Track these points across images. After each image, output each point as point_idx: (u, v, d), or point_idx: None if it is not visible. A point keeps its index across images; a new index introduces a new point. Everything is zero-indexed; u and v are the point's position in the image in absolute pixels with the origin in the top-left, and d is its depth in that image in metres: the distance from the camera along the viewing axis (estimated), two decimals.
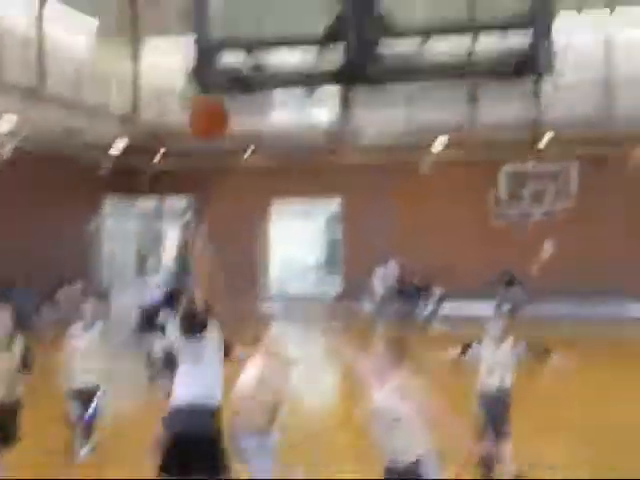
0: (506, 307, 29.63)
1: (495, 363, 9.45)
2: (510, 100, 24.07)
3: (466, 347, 9.84)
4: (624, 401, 14.70)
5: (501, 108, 25.99)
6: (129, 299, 23.50)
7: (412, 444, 6.33)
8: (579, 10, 23.80)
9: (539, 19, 6.86)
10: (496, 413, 9.39)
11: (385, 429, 6.38)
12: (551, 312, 26.72)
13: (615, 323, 26.20)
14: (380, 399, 6.40)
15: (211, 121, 6.87)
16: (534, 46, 6.69)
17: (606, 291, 28.67)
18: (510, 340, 9.59)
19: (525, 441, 10.28)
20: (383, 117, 27.19)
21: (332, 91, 27.73)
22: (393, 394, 6.35)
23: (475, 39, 6.54)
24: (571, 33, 23.27)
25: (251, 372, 8.32)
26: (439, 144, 30.12)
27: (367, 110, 25.10)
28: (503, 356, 9.47)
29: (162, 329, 14.46)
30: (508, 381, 9.50)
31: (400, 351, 6.60)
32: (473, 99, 28.78)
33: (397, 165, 31.02)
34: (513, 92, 22.80)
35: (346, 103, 27.70)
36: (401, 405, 6.28)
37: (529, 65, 7.18)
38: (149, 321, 15.83)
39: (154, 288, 17.84)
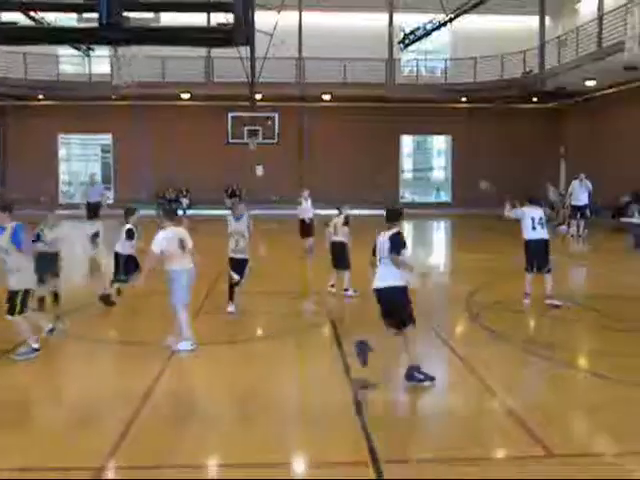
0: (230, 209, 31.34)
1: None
2: (234, 65, 25.27)
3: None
4: None
5: (230, 69, 27.10)
6: None
7: None
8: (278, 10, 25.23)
9: (240, 3, 7.14)
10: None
11: None
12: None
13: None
14: None
15: None
16: (236, 24, 7.15)
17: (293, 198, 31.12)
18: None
19: None
20: (145, 71, 27.64)
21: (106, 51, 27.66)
22: None
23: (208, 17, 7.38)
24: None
25: None
26: (185, 94, 30.83)
27: (133, 65, 25.54)
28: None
29: None
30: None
31: None
32: (209, 59, 29.68)
33: (154, 109, 31.51)
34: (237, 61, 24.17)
35: (117, 59, 27.74)
36: None
37: (234, 38, 7.63)
38: None
39: None
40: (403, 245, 7.10)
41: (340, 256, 11.79)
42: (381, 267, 7.16)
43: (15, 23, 4.03)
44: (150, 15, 6.96)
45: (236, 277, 10.22)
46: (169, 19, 7.57)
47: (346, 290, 11.66)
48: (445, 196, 35.01)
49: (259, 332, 9.99)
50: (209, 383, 7.50)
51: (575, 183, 21.94)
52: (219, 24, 7.79)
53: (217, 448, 5.80)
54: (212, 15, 9.41)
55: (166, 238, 8.42)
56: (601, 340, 9.34)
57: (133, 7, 4.37)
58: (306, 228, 17.08)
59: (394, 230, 7.17)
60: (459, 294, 11.95)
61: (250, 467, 5.37)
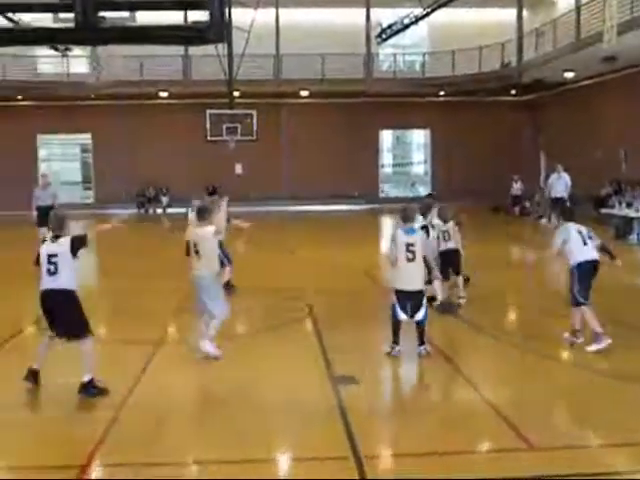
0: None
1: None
2: (211, 62, 25.12)
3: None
4: None
5: (207, 67, 26.92)
6: None
7: None
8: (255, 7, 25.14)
9: (215, 1, 7.09)
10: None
11: None
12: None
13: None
14: None
15: None
16: (211, 21, 7.10)
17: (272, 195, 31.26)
18: None
19: None
20: (121, 71, 27.54)
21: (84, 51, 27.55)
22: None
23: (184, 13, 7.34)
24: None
25: None
26: (163, 93, 30.69)
27: (111, 65, 25.55)
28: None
29: None
30: None
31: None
32: (186, 57, 29.54)
33: (132, 108, 31.37)
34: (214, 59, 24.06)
35: (95, 59, 27.65)
36: None
37: (208, 35, 7.58)
38: None
39: None
40: None
41: (457, 263, 10.69)
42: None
43: None
44: (126, 14, 6.89)
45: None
46: (146, 18, 7.48)
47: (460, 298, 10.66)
48: (424, 190, 35.08)
49: (240, 329, 10.00)
50: (190, 381, 7.50)
51: (553, 176, 22.15)
52: (194, 22, 7.78)
53: (197, 445, 5.81)
54: (189, 13, 9.46)
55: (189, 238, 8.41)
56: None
57: (109, 7, 4.31)
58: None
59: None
60: None
61: (230, 463, 5.38)
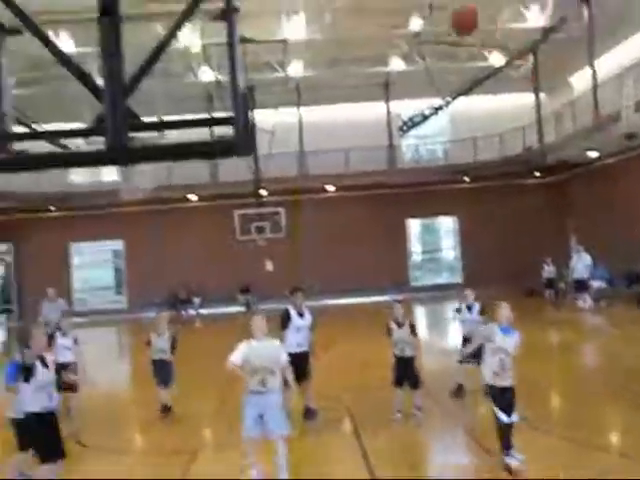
0: (244, 306, 31.29)
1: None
2: (238, 164, 25.66)
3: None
4: None
5: (233, 170, 27.48)
6: None
7: None
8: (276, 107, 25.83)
9: (240, 118, 7.41)
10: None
11: None
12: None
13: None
14: None
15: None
16: (237, 136, 7.36)
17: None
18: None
19: None
20: (151, 177, 28.13)
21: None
22: None
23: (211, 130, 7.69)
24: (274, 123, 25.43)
25: None
26: (192, 196, 31.28)
27: (141, 172, 26.04)
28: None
29: None
30: None
31: None
32: (215, 166, 30.22)
33: (163, 213, 31.93)
34: (241, 160, 24.64)
35: (125, 169, 28.23)
36: None
37: (236, 149, 7.81)
38: None
39: None
40: None
41: None
42: None
43: (24, 151, 4.16)
44: (155, 134, 7.07)
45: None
46: (175, 135, 7.74)
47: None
48: (456, 277, 34.91)
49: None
50: None
51: (574, 257, 21.63)
52: (220, 137, 7.93)
53: None
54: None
55: None
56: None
57: (139, 128, 4.48)
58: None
59: None
60: None
61: None
